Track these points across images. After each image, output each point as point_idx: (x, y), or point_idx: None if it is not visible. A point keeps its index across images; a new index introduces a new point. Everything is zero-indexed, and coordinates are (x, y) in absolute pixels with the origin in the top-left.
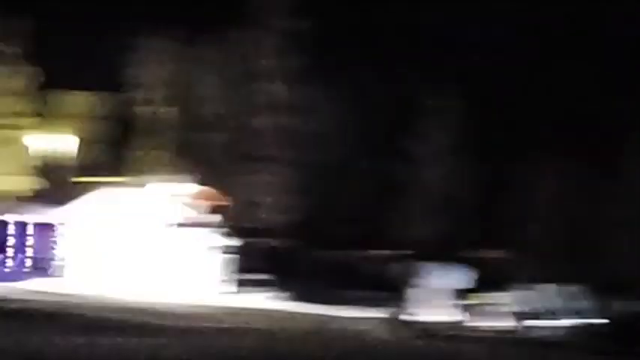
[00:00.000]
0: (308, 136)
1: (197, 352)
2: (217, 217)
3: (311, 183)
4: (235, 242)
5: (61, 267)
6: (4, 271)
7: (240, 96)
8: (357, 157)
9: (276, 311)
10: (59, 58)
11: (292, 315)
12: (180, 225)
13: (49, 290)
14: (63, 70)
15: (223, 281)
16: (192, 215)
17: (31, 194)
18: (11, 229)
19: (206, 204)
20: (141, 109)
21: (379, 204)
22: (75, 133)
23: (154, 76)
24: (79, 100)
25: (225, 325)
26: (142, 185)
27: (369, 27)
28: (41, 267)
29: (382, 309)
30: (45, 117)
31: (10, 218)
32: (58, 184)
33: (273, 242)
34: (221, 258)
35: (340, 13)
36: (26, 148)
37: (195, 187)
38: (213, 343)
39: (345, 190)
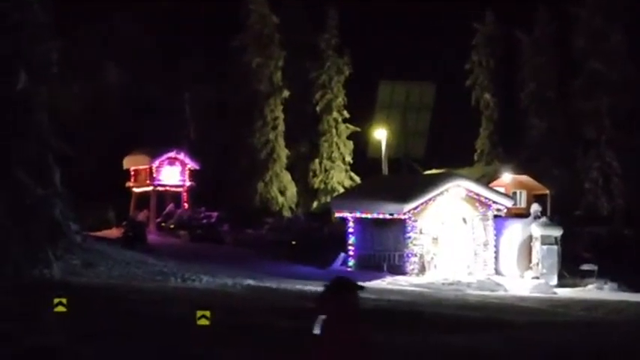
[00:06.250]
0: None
1: (535, 346)
2: (537, 206)
3: None
4: (558, 231)
5: (409, 263)
6: (345, 271)
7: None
8: None
9: (611, 302)
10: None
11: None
12: (502, 216)
13: (398, 287)
14: (384, 61)
15: (547, 272)
16: (512, 205)
17: (369, 190)
18: (351, 226)
19: (526, 192)
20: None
21: None
22: (403, 125)
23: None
24: (403, 90)
25: (560, 319)
26: (492, 175)
27: None
28: (387, 264)
29: None
30: (370, 109)
31: (350, 215)
32: (399, 176)
33: (601, 230)
34: (544, 248)
35: None
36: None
37: (514, 176)
38: (550, 336)
39: None
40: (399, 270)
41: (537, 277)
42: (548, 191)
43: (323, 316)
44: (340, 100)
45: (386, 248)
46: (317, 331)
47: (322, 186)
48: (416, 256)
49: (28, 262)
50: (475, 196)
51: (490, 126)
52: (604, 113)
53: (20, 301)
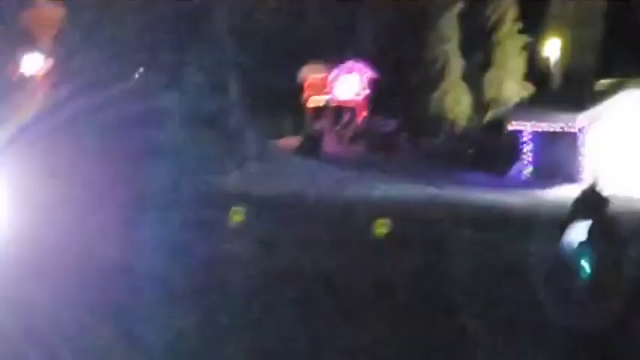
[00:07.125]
0: None
1: None
2: None
3: None
4: None
5: (580, 175)
6: (521, 179)
7: None
8: None
9: None
10: None
11: None
12: None
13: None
14: None
15: None
16: None
17: (542, 101)
18: (525, 136)
19: None
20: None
21: None
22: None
23: None
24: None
25: None
26: None
27: None
28: (561, 174)
29: None
30: (543, 20)
31: (524, 126)
32: (572, 88)
33: None
34: None
35: None
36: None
37: None
38: None
39: None
40: (572, 180)
41: None
42: None
43: (581, 223)
44: (513, 11)
45: (559, 159)
46: (574, 238)
47: (496, 97)
48: (587, 166)
49: (206, 171)
50: None
51: None
52: None
53: (199, 212)
